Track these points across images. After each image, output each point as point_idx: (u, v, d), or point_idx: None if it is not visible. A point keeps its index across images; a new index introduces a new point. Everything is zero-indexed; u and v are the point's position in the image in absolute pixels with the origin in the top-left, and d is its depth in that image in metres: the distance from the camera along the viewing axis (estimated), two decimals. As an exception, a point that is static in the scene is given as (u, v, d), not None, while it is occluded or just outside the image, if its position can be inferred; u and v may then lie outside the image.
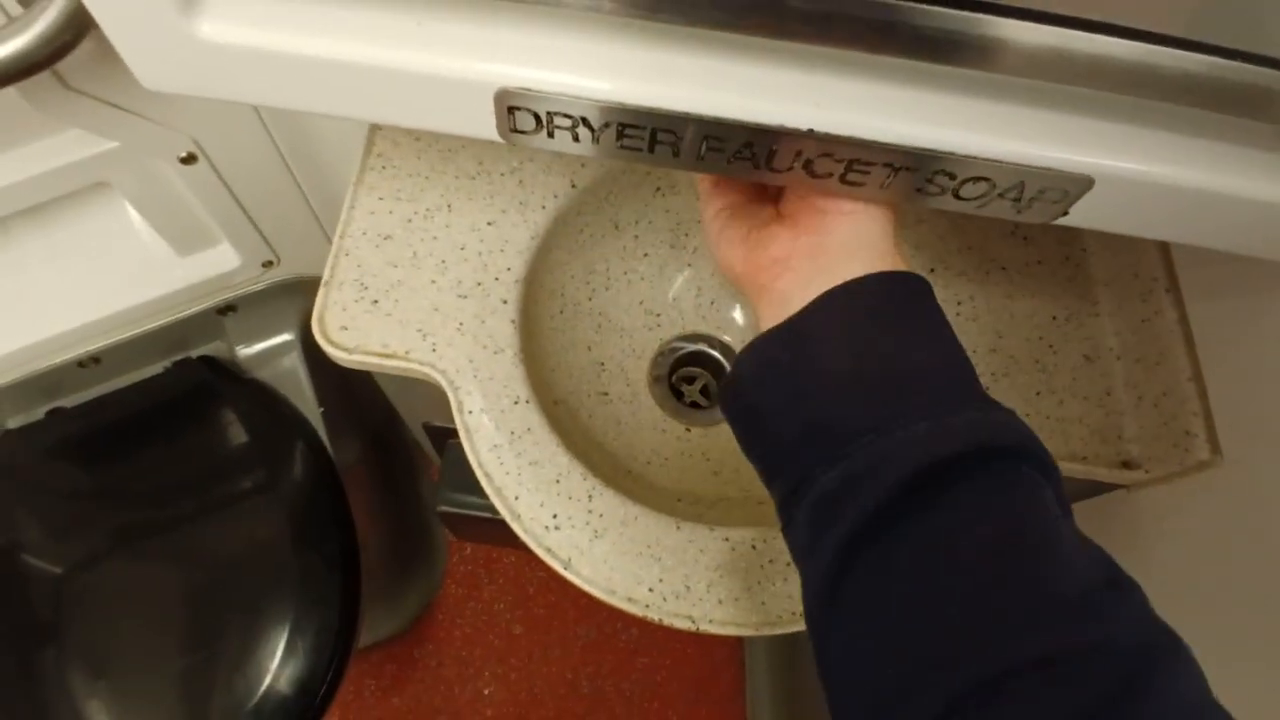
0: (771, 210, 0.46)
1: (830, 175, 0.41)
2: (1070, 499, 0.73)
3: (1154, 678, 0.30)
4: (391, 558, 1.29)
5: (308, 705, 0.89)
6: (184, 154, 0.69)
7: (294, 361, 1.01)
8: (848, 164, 0.40)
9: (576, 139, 0.40)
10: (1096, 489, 0.69)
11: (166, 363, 0.98)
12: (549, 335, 0.68)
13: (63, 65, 0.51)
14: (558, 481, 0.58)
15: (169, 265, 0.84)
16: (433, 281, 0.63)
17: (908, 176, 0.40)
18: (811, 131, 0.38)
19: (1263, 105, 0.36)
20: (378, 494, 1.21)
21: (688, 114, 0.38)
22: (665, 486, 0.69)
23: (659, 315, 0.77)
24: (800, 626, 0.55)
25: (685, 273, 0.77)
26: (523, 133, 0.40)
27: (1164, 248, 0.63)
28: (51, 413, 0.96)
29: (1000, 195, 0.41)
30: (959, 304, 0.66)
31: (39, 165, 0.66)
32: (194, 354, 0.99)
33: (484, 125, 0.40)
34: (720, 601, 0.56)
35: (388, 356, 0.60)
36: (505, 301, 0.63)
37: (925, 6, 0.32)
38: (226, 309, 0.92)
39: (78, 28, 0.49)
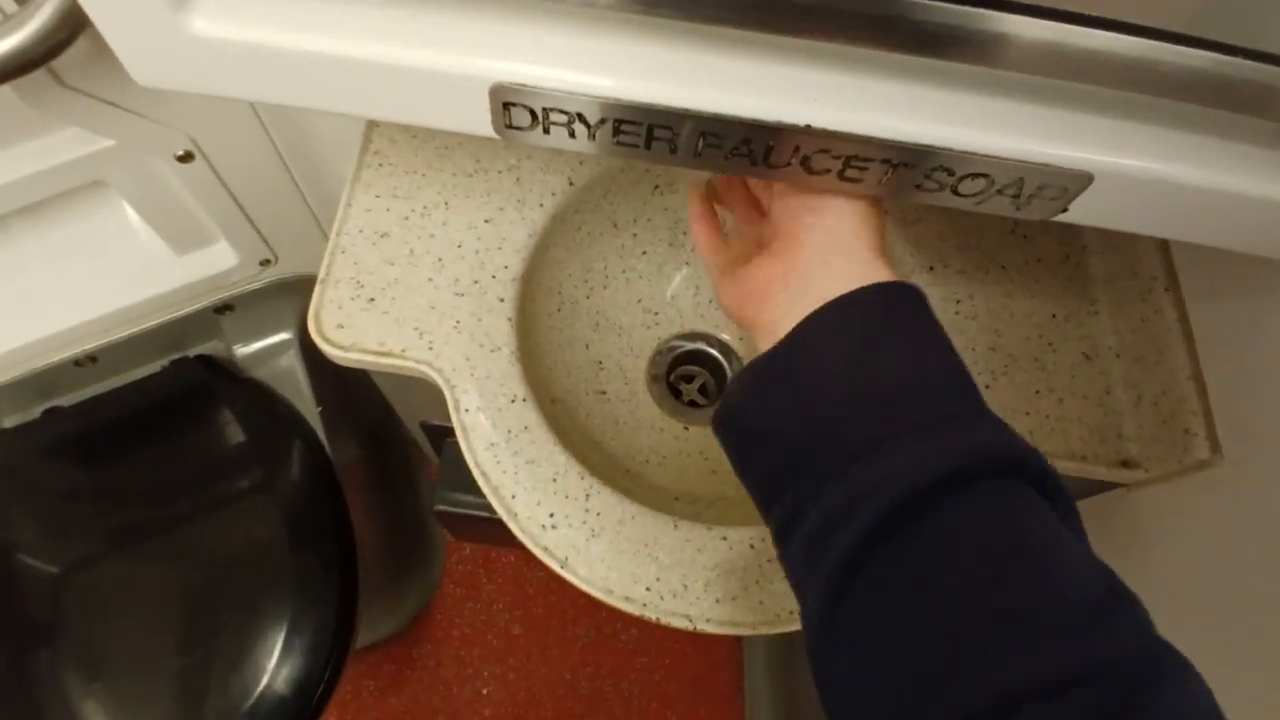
0: (755, 243, 0.46)
1: (828, 172, 0.40)
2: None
3: (1160, 692, 0.29)
4: (389, 557, 1.28)
5: (304, 705, 0.88)
6: (181, 152, 0.68)
7: (291, 361, 1.01)
8: (845, 160, 0.39)
9: (573, 135, 0.40)
10: (1096, 488, 0.68)
11: (164, 362, 0.98)
12: (546, 333, 0.68)
13: (58, 63, 0.51)
14: (555, 480, 0.58)
15: (166, 264, 0.83)
16: (429, 279, 0.63)
17: (906, 173, 0.40)
18: (809, 127, 0.38)
19: (1263, 102, 0.35)
20: (375, 493, 1.21)
21: (685, 110, 0.37)
22: (663, 485, 0.69)
23: (657, 314, 0.77)
24: (798, 625, 0.55)
25: (683, 271, 0.77)
26: (518, 129, 0.40)
27: (1163, 246, 0.63)
28: (48, 412, 0.96)
29: (999, 192, 0.41)
30: (958, 302, 0.66)
31: (35, 164, 0.65)
32: (191, 353, 0.99)
33: (479, 121, 0.40)
34: (718, 600, 0.56)
35: (384, 355, 0.60)
36: (502, 300, 0.63)
37: (925, 1, 0.32)
38: (224, 308, 0.92)
39: (73, 25, 0.49)
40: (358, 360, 0.60)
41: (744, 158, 0.40)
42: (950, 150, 0.38)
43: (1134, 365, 0.63)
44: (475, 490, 0.59)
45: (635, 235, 0.74)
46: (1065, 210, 0.42)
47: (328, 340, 0.60)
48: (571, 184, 0.67)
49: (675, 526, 0.58)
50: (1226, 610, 0.58)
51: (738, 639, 1.48)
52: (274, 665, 0.88)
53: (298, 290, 0.94)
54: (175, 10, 0.36)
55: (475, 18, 0.37)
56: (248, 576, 0.92)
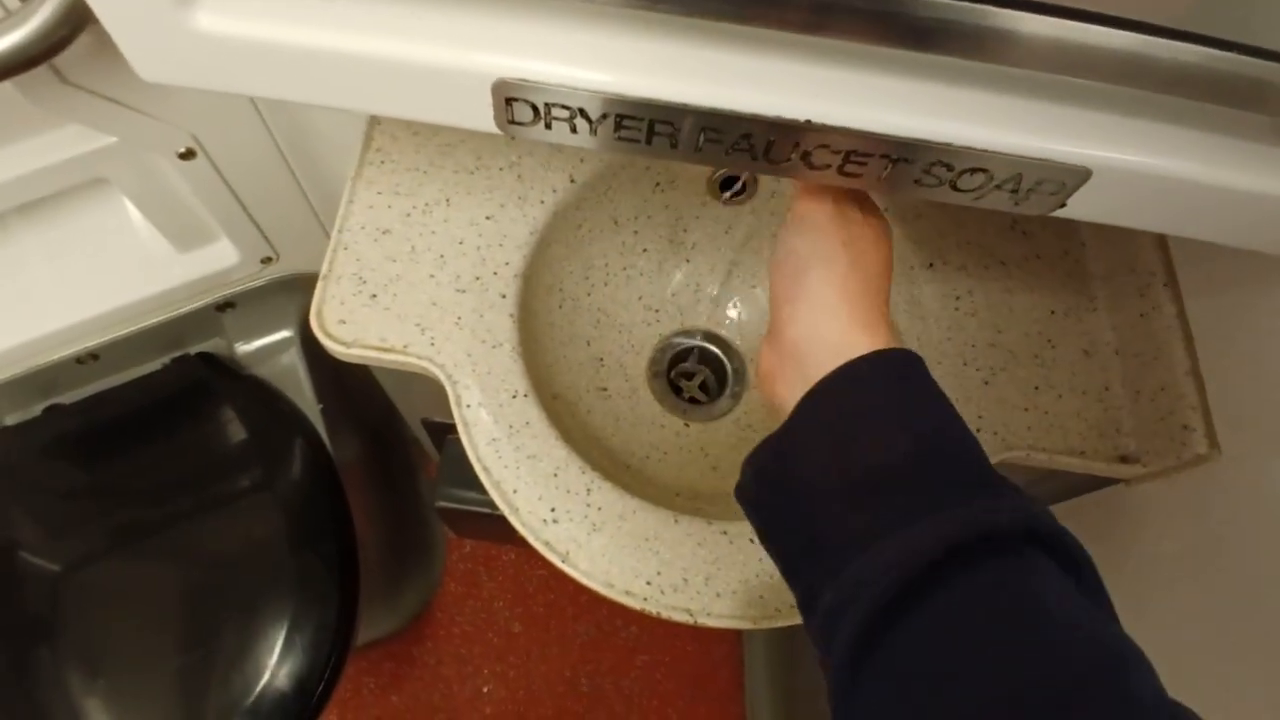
0: None
1: (828, 167, 0.41)
2: (1067, 493, 0.73)
3: None
4: (390, 555, 1.28)
5: (305, 703, 0.89)
6: (183, 149, 0.69)
7: (293, 358, 1.01)
8: (845, 155, 0.40)
9: (574, 130, 0.40)
10: (1095, 484, 0.69)
11: (165, 359, 0.98)
12: (548, 330, 0.68)
13: (60, 60, 0.51)
14: (556, 475, 0.58)
15: (167, 261, 0.83)
16: (431, 276, 0.63)
17: (905, 168, 0.40)
18: (809, 122, 0.38)
19: (1259, 97, 0.36)
20: (376, 491, 1.21)
21: (685, 105, 0.38)
22: (664, 481, 0.69)
23: (658, 311, 0.77)
24: (798, 619, 0.55)
25: (684, 268, 0.77)
26: (520, 124, 0.40)
27: (1161, 242, 0.63)
28: (49, 410, 0.96)
29: (998, 187, 0.41)
30: (958, 298, 0.66)
31: (37, 161, 0.65)
32: (192, 351, 0.99)
33: (482, 117, 0.40)
34: (718, 595, 0.56)
35: (386, 350, 0.60)
36: (504, 296, 0.63)
37: (923, -2, 0.33)
38: (225, 305, 0.92)
39: (75, 22, 0.49)
40: (360, 356, 0.61)
41: (745, 153, 0.40)
42: (949, 145, 0.38)
43: (1132, 361, 0.63)
44: (476, 486, 0.59)
45: (636, 232, 0.74)
46: (1063, 205, 0.42)
47: (330, 336, 0.60)
48: (573, 181, 0.67)
49: (676, 521, 0.58)
50: (1224, 604, 0.58)
51: (738, 636, 1.48)
52: (275, 662, 0.88)
53: (299, 288, 0.94)
54: (179, 6, 0.36)
55: (478, 13, 0.37)
56: (249, 574, 0.92)
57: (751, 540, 0.58)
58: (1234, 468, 0.58)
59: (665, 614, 0.56)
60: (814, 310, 0.42)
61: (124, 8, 0.36)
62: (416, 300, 0.62)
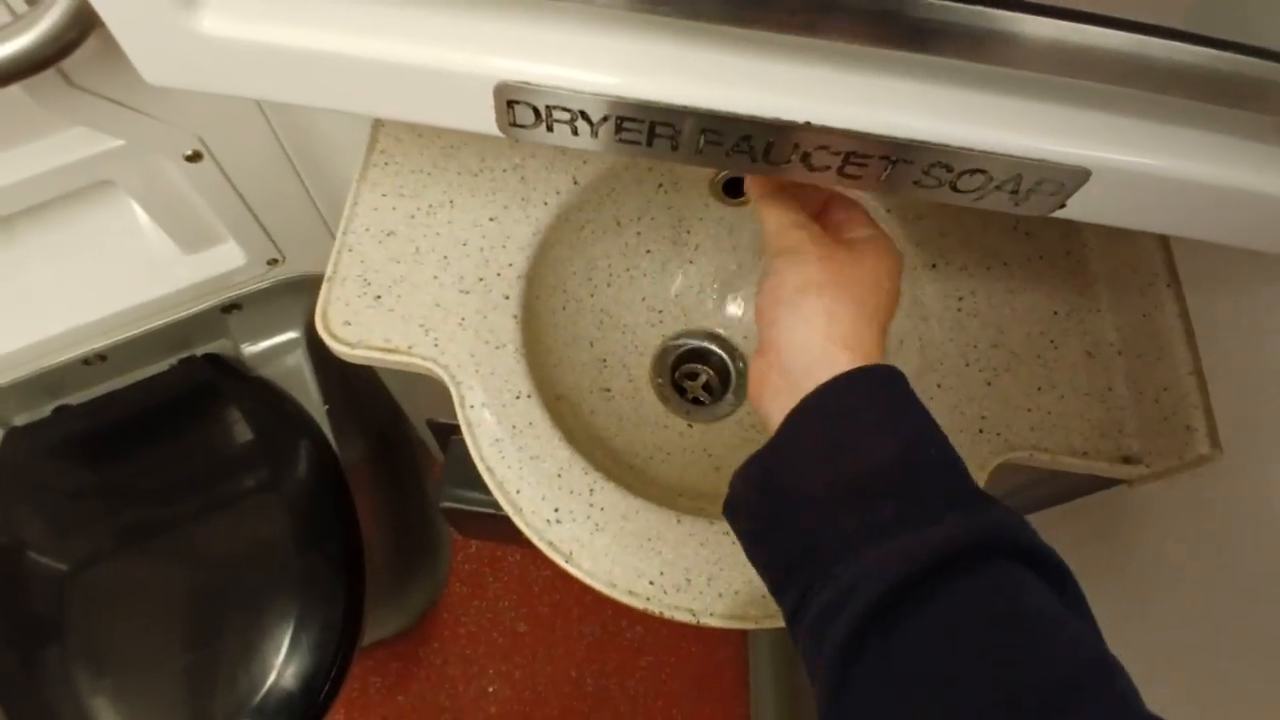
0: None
1: (828, 168, 0.41)
2: (1070, 493, 0.73)
3: None
4: (396, 555, 1.29)
5: (311, 702, 0.89)
6: (189, 152, 0.69)
7: (299, 359, 1.02)
8: (845, 156, 0.40)
9: (575, 133, 0.41)
10: (1098, 484, 0.69)
11: (172, 360, 0.99)
12: (551, 331, 0.68)
13: (67, 63, 0.52)
14: (559, 476, 0.58)
15: (174, 263, 0.84)
16: (435, 277, 0.63)
17: (905, 168, 0.40)
18: (809, 124, 0.38)
19: (1260, 97, 0.36)
20: (382, 492, 1.21)
21: (686, 107, 0.38)
22: (667, 482, 0.69)
23: (661, 312, 0.77)
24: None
25: (687, 269, 0.77)
26: (522, 126, 0.41)
27: (1164, 242, 0.63)
28: (57, 410, 0.97)
29: (998, 188, 0.41)
30: (960, 299, 0.66)
31: (44, 163, 0.66)
32: (199, 352, 1.00)
33: (484, 119, 0.40)
34: (721, 595, 0.56)
35: (390, 351, 0.61)
36: (507, 297, 0.63)
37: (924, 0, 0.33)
38: (231, 307, 0.93)
39: (83, 25, 0.49)
40: (364, 357, 0.61)
41: (745, 154, 0.41)
42: (948, 146, 0.38)
43: (1135, 361, 0.63)
44: (481, 487, 0.59)
45: (639, 234, 0.74)
46: (1063, 206, 0.42)
47: (335, 337, 0.61)
48: (575, 182, 0.67)
49: (679, 521, 0.58)
50: (1227, 604, 0.58)
51: (743, 637, 1.48)
52: (281, 662, 0.89)
53: (304, 289, 0.94)
54: (184, 9, 0.36)
55: (479, 16, 0.38)
56: (255, 574, 0.93)
57: (754, 540, 0.58)
58: (1237, 468, 0.58)
59: (668, 614, 0.56)
60: (797, 329, 0.42)
61: (129, 11, 0.37)
62: (420, 301, 0.62)
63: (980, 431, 0.61)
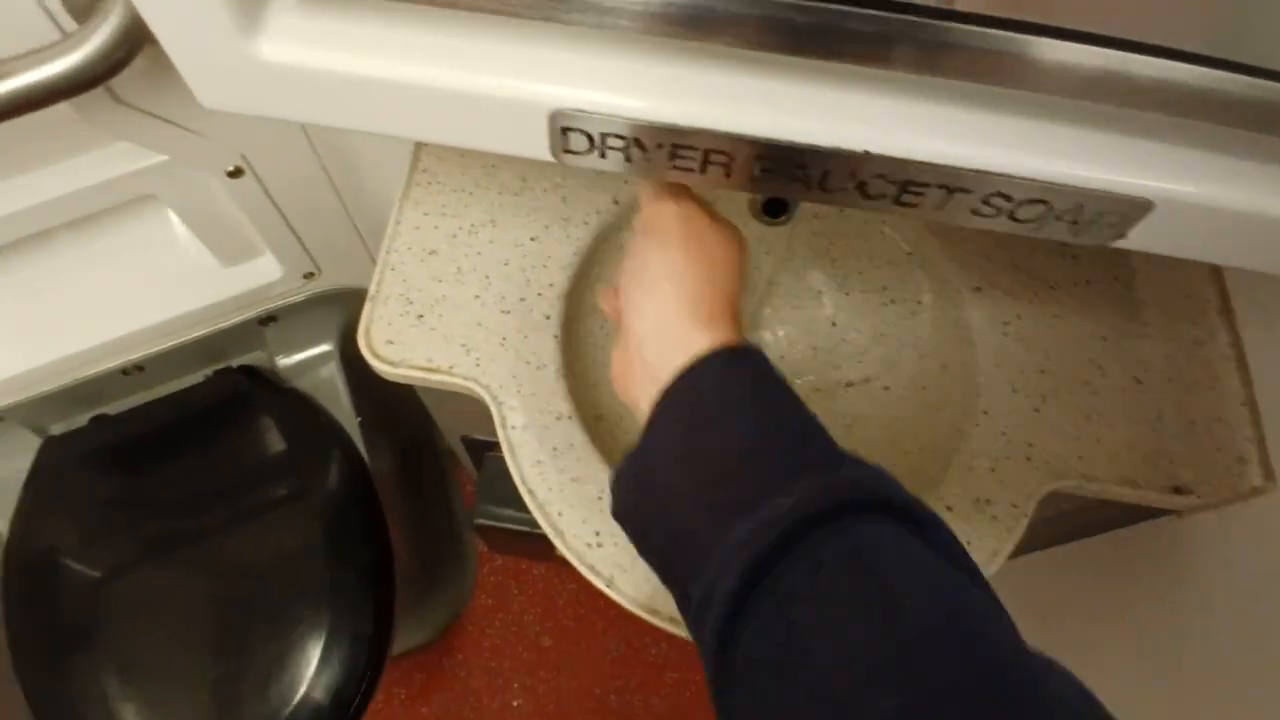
0: None
1: (884, 196, 0.40)
2: (1119, 522, 0.72)
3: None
4: (422, 568, 1.29)
5: (341, 715, 0.89)
6: (231, 168, 0.69)
7: (332, 371, 1.02)
8: (902, 185, 0.39)
9: (629, 160, 0.40)
10: (1147, 513, 0.67)
11: (208, 371, 0.99)
12: (591, 351, 0.68)
13: (115, 80, 0.52)
14: (600, 499, 0.58)
15: (212, 276, 0.85)
16: (476, 296, 0.63)
17: (964, 198, 0.39)
18: (867, 153, 0.38)
19: (1330, 130, 0.35)
20: (411, 504, 1.22)
21: (742, 135, 0.37)
22: (704, 504, 0.69)
23: (698, 331, 0.76)
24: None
25: (725, 289, 0.76)
26: (575, 153, 0.40)
27: (1216, 270, 0.62)
28: (95, 419, 0.98)
29: (1057, 218, 0.40)
30: (1005, 324, 0.65)
31: (88, 177, 0.67)
32: (234, 363, 1.00)
33: (537, 146, 0.40)
34: (762, 622, 0.56)
35: (432, 371, 0.61)
36: (548, 317, 0.63)
37: (984, 30, 0.32)
38: (267, 319, 0.93)
39: (131, 44, 0.50)
40: (406, 376, 0.61)
41: (799, 183, 0.40)
42: (1009, 176, 0.38)
43: (1186, 390, 0.62)
44: (515, 504, 0.59)
45: (677, 252, 0.74)
46: (1123, 236, 0.41)
47: (378, 356, 0.61)
48: (616, 203, 0.67)
49: (719, 546, 0.57)
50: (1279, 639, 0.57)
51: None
52: (312, 674, 0.89)
53: (340, 302, 0.95)
54: (243, 35, 0.36)
55: (535, 44, 0.37)
56: (286, 585, 0.93)
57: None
58: (1291, 501, 0.56)
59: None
60: (654, 312, 0.42)
61: (190, 38, 0.37)
62: (462, 321, 0.62)
63: (1028, 460, 0.60)
